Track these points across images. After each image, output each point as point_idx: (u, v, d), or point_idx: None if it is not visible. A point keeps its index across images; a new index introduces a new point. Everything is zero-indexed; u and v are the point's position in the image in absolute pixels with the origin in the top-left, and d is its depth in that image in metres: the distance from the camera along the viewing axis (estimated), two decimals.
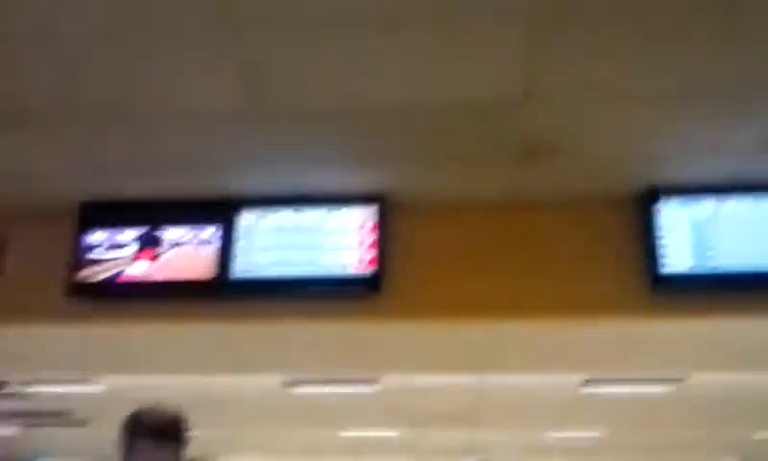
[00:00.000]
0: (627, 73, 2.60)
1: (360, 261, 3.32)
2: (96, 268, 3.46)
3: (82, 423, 7.45)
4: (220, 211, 3.46)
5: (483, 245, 3.45)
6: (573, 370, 5.19)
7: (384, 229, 3.37)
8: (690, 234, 3.24)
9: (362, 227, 3.37)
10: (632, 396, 5.93)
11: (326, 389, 6.01)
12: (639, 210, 3.35)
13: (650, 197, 3.31)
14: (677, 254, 3.23)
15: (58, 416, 7.23)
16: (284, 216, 3.42)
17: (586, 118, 2.87)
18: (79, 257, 3.48)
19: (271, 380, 5.75)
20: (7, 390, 6.23)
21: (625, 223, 3.40)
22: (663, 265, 3.22)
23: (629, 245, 3.37)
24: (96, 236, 3.51)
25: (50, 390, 6.34)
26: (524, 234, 3.46)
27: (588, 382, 5.66)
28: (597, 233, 3.42)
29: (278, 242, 3.38)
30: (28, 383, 6.16)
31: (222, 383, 5.95)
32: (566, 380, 5.63)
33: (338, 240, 3.36)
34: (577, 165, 3.21)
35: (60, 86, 2.75)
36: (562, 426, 7.33)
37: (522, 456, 8.81)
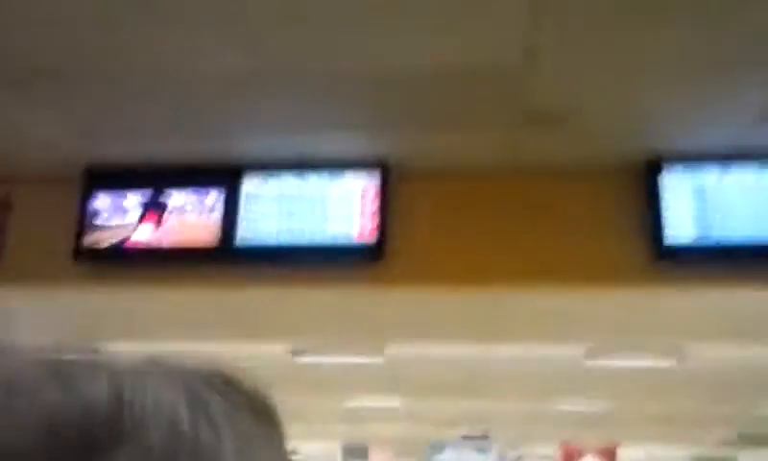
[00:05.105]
0: (627, 44, 2.57)
1: (362, 229, 3.32)
2: (102, 234, 3.48)
3: None
4: (223, 176, 3.46)
5: (486, 212, 3.44)
6: (576, 340, 5.22)
7: (386, 195, 3.37)
8: (694, 205, 3.22)
9: (364, 194, 3.37)
10: (634, 368, 5.95)
11: (331, 358, 6.06)
12: (643, 180, 3.33)
13: (653, 166, 3.29)
14: (680, 225, 3.20)
15: None
16: (287, 182, 3.43)
17: (587, 88, 2.86)
18: (85, 223, 3.50)
19: (276, 349, 5.80)
20: None
21: (629, 192, 3.38)
22: (667, 236, 3.20)
23: (633, 214, 3.35)
24: (101, 201, 3.52)
25: None
26: (527, 202, 3.45)
27: (590, 354, 5.68)
28: (600, 202, 3.41)
29: (281, 209, 3.39)
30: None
31: (227, 351, 5.99)
32: (569, 352, 5.66)
33: (340, 208, 3.36)
34: (580, 134, 3.20)
35: (64, 49, 2.75)
36: (564, 398, 7.37)
37: (524, 427, 8.88)
